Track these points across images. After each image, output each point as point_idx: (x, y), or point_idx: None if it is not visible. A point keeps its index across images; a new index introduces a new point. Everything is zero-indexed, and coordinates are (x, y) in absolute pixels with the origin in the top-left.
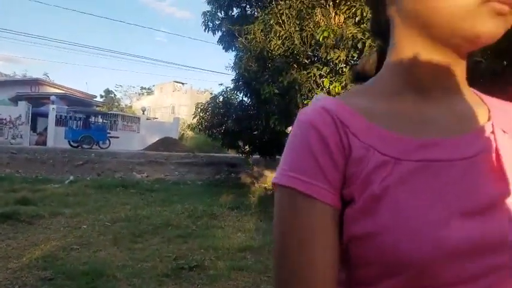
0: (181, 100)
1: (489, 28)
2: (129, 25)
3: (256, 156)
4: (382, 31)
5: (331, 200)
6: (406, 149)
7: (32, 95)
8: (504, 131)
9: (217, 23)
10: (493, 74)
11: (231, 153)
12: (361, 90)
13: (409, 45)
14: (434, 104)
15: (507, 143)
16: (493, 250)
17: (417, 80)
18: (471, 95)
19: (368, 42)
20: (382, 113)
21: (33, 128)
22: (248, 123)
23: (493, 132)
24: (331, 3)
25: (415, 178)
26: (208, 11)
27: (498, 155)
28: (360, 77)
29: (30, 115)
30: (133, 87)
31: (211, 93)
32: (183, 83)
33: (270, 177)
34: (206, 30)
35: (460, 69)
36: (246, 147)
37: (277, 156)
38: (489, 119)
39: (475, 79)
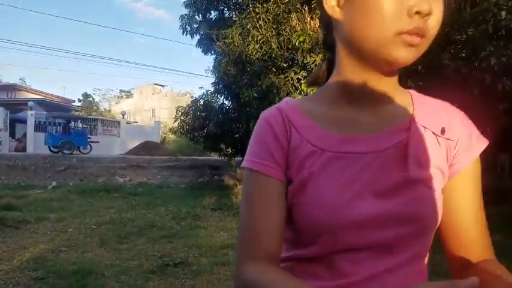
0: (161, 103)
1: (402, 55)
2: (105, 28)
3: (239, 158)
4: (331, 47)
5: (278, 175)
6: (330, 143)
7: (9, 101)
8: (425, 127)
9: (195, 26)
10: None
11: (214, 156)
12: (312, 96)
13: (345, 64)
14: (362, 110)
15: (424, 137)
16: (397, 223)
17: (350, 92)
18: (401, 99)
19: None
20: (322, 115)
21: (12, 135)
22: (229, 126)
23: (409, 129)
24: (306, 8)
25: (333, 165)
26: (185, 14)
27: (407, 148)
28: (314, 83)
29: (8, 121)
30: (112, 90)
31: (191, 96)
32: (163, 86)
33: None
34: (184, 34)
35: (385, 83)
36: (229, 149)
37: None
38: (410, 118)
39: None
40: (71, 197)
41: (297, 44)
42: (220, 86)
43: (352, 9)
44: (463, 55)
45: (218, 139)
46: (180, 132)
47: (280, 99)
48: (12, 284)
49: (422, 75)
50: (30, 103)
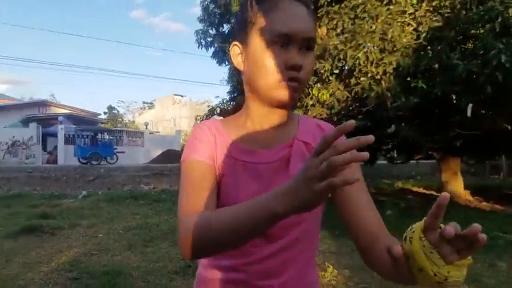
0: (181, 112)
1: (284, 96)
2: (126, 44)
3: None
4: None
5: (209, 162)
6: (237, 153)
7: (41, 117)
8: (305, 142)
9: (209, 39)
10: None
11: None
12: (231, 118)
13: (250, 100)
14: (262, 132)
15: (304, 150)
16: None
17: (253, 118)
18: (290, 123)
19: (349, 52)
20: (235, 132)
21: (44, 148)
22: None
23: (291, 145)
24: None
25: (237, 171)
26: (200, 29)
27: (288, 161)
28: (235, 111)
29: (40, 135)
30: (135, 102)
31: (208, 105)
32: (182, 96)
33: None
34: (200, 47)
35: (277, 113)
36: None
37: None
38: (294, 137)
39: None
40: (100, 205)
41: None
42: (235, 95)
43: (249, 64)
44: (473, 54)
45: None
46: None
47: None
48: (51, 284)
49: (432, 75)
50: (60, 118)
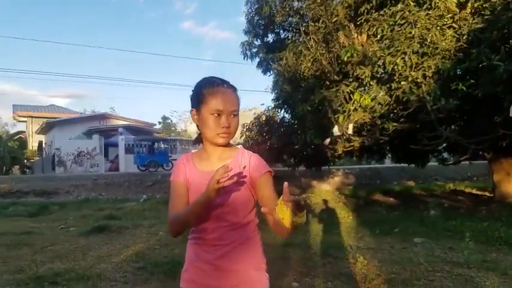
0: None
1: (220, 142)
2: (176, 57)
3: (302, 168)
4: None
5: (182, 181)
6: (197, 175)
7: (102, 128)
8: (239, 165)
9: (254, 50)
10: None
11: (279, 167)
12: (198, 151)
13: (204, 139)
14: (213, 159)
15: (237, 169)
16: (221, 206)
17: (206, 152)
18: (231, 152)
19: (388, 58)
20: (197, 161)
21: (106, 157)
22: (289, 138)
23: (228, 166)
24: (352, 25)
25: (197, 185)
26: (246, 41)
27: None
28: (197, 140)
29: (103, 146)
30: (187, 111)
31: (254, 112)
32: None
33: (318, 187)
34: (245, 58)
35: (219, 148)
36: (291, 160)
37: (322, 168)
38: (232, 162)
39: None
40: (159, 207)
41: (345, 59)
42: (279, 102)
43: (201, 123)
44: None
45: (280, 151)
46: (246, 147)
47: (333, 111)
48: (122, 272)
49: (473, 77)
50: (120, 129)
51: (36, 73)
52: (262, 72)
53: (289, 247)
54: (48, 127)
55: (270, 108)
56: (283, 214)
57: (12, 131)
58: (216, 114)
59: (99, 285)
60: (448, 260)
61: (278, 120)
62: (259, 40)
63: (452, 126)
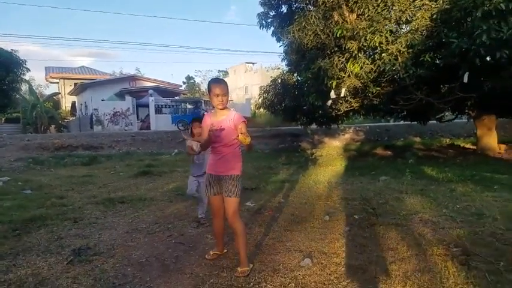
0: (253, 80)
1: (219, 108)
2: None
3: (314, 126)
4: None
5: (206, 125)
6: (211, 122)
7: (133, 90)
8: (229, 119)
9: (269, 20)
10: None
11: (294, 126)
12: (213, 112)
13: (213, 105)
14: (217, 115)
15: (227, 119)
16: (220, 137)
17: (215, 111)
18: (228, 112)
19: (369, 36)
20: (212, 115)
21: (136, 116)
22: (299, 100)
23: (224, 120)
24: (344, 6)
25: (210, 126)
26: (261, 12)
27: (222, 126)
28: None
29: (135, 106)
30: (211, 71)
31: (278, 68)
32: (253, 63)
33: (328, 143)
34: (261, 28)
35: (220, 111)
36: (303, 119)
37: (332, 126)
38: (227, 117)
39: None
40: (187, 159)
41: (338, 35)
42: (292, 67)
43: (210, 99)
44: (467, 33)
45: (294, 111)
46: (263, 107)
47: (329, 78)
48: (167, 197)
49: (436, 51)
50: (150, 91)
51: (65, 39)
52: (276, 40)
53: (287, 183)
54: (81, 88)
55: (284, 72)
56: (242, 139)
57: (45, 92)
58: (216, 96)
59: (152, 203)
60: (393, 188)
61: (292, 83)
62: (273, 11)
63: (424, 90)
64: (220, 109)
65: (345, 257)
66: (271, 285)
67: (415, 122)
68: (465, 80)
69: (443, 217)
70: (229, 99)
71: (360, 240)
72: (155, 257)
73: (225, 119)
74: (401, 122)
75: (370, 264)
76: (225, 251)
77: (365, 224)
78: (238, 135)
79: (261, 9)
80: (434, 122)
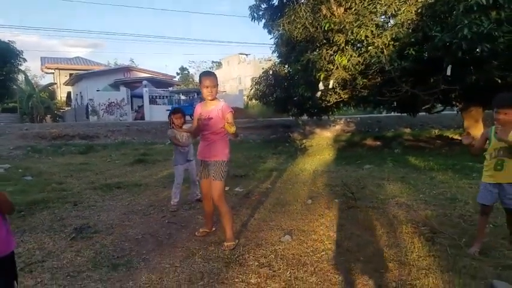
0: (246, 71)
1: (209, 99)
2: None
3: (305, 117)
4: None
5: (196, 114)
6: (201, 111)
7: (127, 81)
8: (218, 109)
9: (260, 13)
10: None
11: (286, 117)
12: (204, 102)
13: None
14: (206, 105)
15: (216, 109)
16: (208, 125)
17: (204, 103)
18: (217, 103)
19: (355, 29)
20: (203, 106)
21: (131, 107)
22: (290, 91)
23: (213, 110)
24: (332, 0)
25: (199, 115)
26: (253, 4)
27: (211, 116)
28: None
29: (130, 97)
30: (205, 62)
31: (270, 59)
32: (247, 55)
33: (319, 134)
34: (253, 20)
35: (210, 101)
36: (294, 110)
37: (323, 117)
38: (216, 107)
39: None
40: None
41: (326, 29)
42: (283, 59)
43: (201, 90)
44: (450, 27)
45: (285, 102)
46: (255, 98)
47: (317, 70)
48: (160, 183)
49: (420, 45)
50: (144, 82)
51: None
52: (267, 32)
53: (275, 171)
54: (76, 79)
55: (276, 63)
56: (227, 128)
57: (40, 82)
58: (205, 87)
59: (147, 188)
60: (375, 176)
61: (283, 74)
62: (265, 4)
63: (409, 82)
64: (210, 100)
65: (322, 234)
66: (253, 256)
67: (405, 114)
68: (448, 72)
69: (418, 201)
70: (223, 90)
71: (338, 221)
72: (150, 234)
73: (214, 109)
74: (393, 114)
75: (344, 240)
76: (214, 229)
77: (344, 207)
78: (225, 124)
79: (253, 2)
80: (425, 113)
